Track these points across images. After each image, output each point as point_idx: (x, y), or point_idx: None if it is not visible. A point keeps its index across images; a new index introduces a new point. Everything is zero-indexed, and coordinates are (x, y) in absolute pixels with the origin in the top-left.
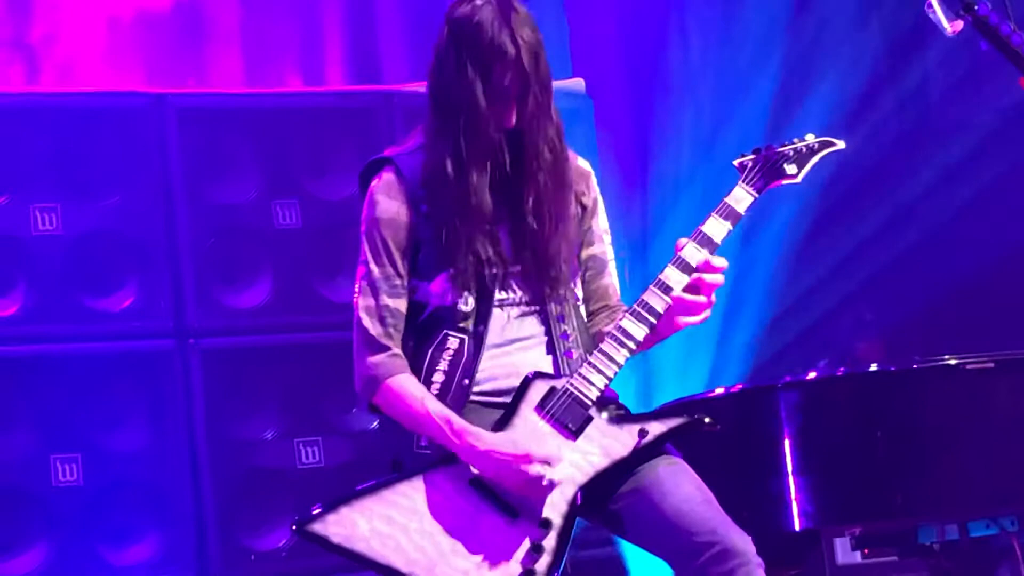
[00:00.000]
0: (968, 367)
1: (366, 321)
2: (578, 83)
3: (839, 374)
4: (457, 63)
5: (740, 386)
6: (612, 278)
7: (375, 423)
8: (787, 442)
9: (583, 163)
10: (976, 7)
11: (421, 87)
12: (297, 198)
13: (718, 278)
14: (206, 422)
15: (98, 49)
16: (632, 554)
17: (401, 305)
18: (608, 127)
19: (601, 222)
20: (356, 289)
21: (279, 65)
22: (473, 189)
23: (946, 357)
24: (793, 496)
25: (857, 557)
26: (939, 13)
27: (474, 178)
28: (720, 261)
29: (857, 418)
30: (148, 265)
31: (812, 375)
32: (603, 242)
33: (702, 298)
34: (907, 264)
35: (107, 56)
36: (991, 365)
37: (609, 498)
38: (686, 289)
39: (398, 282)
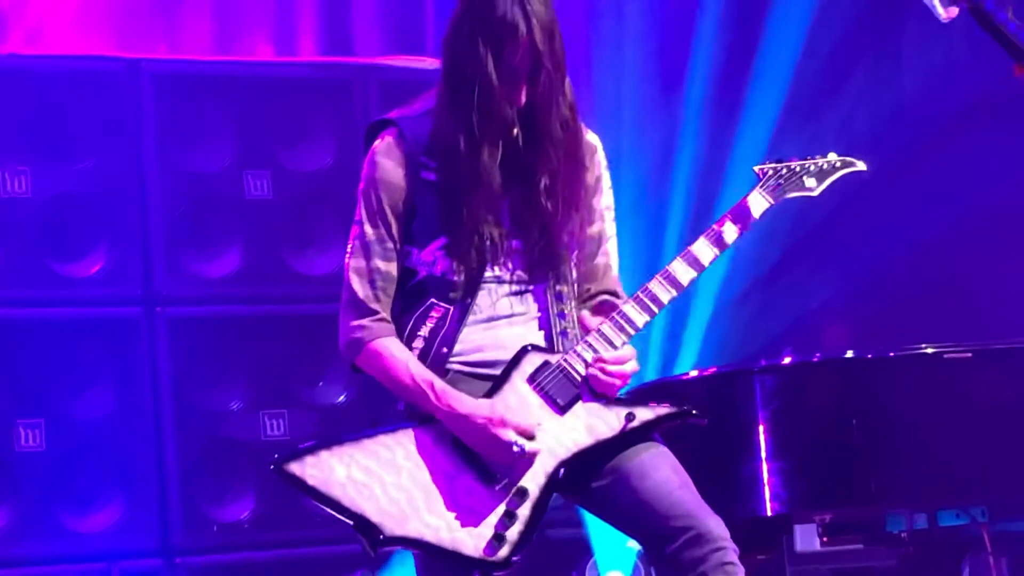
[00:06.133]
0: (946, 356)
1: (355, 282)
2: None
3: (816, 360)
4: (470, 37)
5: (714, 369)
6: (607, 257)
7: (341, 397)
8: (761, 427)
9: (592, 137)
10: None
11: (397, 61)
12: (269, 169)
13: (634, 366)
14: (172, 391)
15: (68, 12)
16: (597, 535)
17: (392, 269)
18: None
19: (604, 199)
20: (348, 249)
21: (250, 34)
22: (485, 168)
23: (924, 346)
24: (765, 480)
25: (817, 545)
26: None
27: (486, 156)
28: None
29: (832, 404)
30: (118, 231)
31: (788, 360)
32: (604, 220)
33: (616, 381)
34: (882, 256)
35: (77, 19)
36: (969, 355)
37: (589, 478)
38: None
39: (391, 245)
